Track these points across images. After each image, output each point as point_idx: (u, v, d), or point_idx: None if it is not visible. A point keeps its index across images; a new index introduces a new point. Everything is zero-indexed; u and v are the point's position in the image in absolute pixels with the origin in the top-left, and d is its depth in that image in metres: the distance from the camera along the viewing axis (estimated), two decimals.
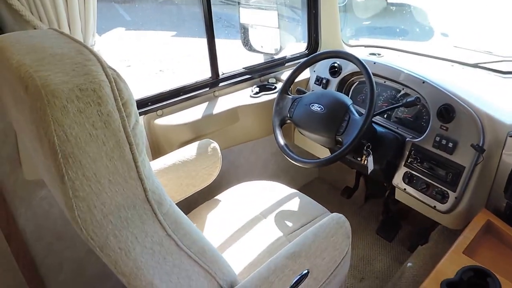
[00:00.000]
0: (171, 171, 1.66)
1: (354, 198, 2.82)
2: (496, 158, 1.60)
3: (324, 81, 2.20)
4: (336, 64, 2.15)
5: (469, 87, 1.80)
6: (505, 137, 1.57)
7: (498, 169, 1.60)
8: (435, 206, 1.73)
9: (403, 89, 1.94)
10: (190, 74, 5.36)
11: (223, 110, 2.05)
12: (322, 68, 2.24)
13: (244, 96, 2.19)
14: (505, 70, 2.06)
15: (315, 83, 2.26)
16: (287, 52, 2.43)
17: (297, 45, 2.52)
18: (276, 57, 2.42)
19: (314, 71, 2.29)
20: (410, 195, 1.82)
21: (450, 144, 1.68)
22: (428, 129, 1.76)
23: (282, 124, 1.90)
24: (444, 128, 1.71)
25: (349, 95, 2.19)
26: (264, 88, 2.24)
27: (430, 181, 1.74)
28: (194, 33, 6.74)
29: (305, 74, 2.30)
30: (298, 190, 1.91)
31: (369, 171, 1.73)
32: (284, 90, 1.94)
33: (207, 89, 2.11)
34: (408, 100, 1.70)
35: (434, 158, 1.73)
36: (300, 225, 1.70)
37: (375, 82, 1.84)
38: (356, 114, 1.68)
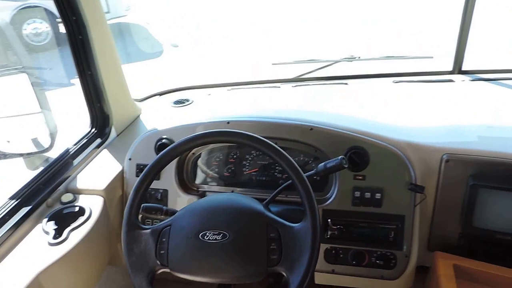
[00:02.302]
0: None
1: None
2: (431, 190, 1.32)
3: None
4: (166, 141, 1.44)
5: (363, 116, 1.46)
6: (439, 163, 1.30)
7: (437, 201, 1.34)
8: (382, 276, 1.37)
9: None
10: None
11: None
12: (141, 151, 1.51)
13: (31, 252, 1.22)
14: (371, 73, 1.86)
15: (137, 175, 1.48)
16: (62, 140, 1.52)
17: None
18: (50, 155, 1.48)
19: (130, 159, 1.50)
20: (343, 274, 1.37)
21: (378, 195, 1.31)
22: (337, 185, 1.35)
23: (152, 279, 1.08)
24: (360, 177, 1.31)
25: (195, 176, 1.52)
26: (62, 218, 1.31)
27: (364, 248, 1.37)
28: None
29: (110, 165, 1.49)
30: None
31: None
32: (131, 223, 1.11)
33: None
34: (330, 164, 1.17)
35: (360, 218, 1.36)
36: None
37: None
38: (286, 221, 1.07)
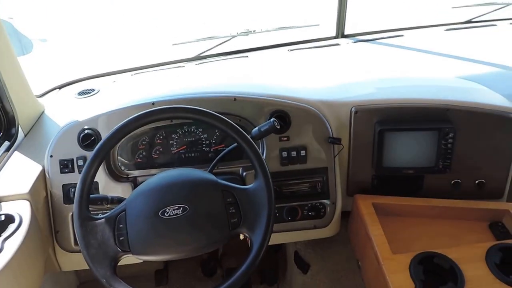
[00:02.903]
0: None
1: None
2: (345, 141, 1.49)
3: (78, 162, 1.40)
4: (89, 131, 1.37)
5: (278, 82, 1.55)
6: (349, 117, 1.46)
7: (351, 150, 1.51)
8: (315, 226, 1.51)
9: None
10: None
11: None
12: (62, 146, 1.42)
13: None
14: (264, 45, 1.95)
15: (62, 172, 1.39)
16: None
17: None
18: None
19: (52, 156, 1.41)
20: (280, 231, 1.50)
21: (302, 152, 1.44)
22: (265, 149, 1.43)
23: (115, 267, 1.06)
24: (285, 138, 1.42)
25: (123, 164, 1.48)
26: None
27: (296, 203, 1.49)
28: None
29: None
30: None
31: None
32: (84, 216, 1.06)
33: None
34: (264, 128, 1.24)
35: (289, 176, 1.46)
36: None
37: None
38: (238, 185, 1.12)
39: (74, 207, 1.06)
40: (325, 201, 1.49)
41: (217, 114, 1.11)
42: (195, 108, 1.12)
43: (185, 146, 1.50)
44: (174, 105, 1.13)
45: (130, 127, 1.11)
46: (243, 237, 1.20)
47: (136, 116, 1.11)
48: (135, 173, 1.50)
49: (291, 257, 1.82)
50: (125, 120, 1.11)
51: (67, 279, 1.91)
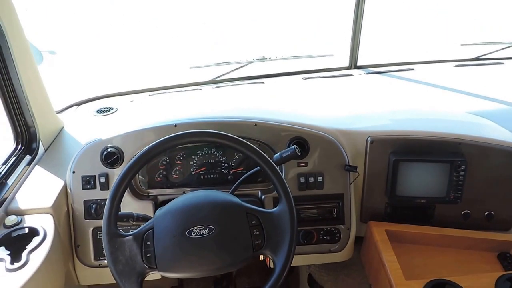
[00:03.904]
0: None
1: None
2: (360, 169, 1.56)
3: (100, 179, 1.45)
4: (112, 149, 1.43)
5: (295, 109, 1.63)
6: (365, 146, 1.53)
7: (365, 177, 1.58)
8: (329, 250, 1.57)
9: None
10: None
11: None
12: (85, 163, 1.48)
13: None
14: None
15: (84, 188, 1.45)
16: None
17: None
18: None
19: (74, 172, 1.46)
20: (296, 254, 1.53)
21: (319, 178, 1.51)
22: (283, 174, 1.51)
23: (141, 283, 1.11)
24: (303, 164, 1.49)
25: (147, 180, 1.55)
26: (12, 242, 1.26)
27: (312, 227, 1.56)
28: None
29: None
30: None
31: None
32: (112, 232, 1.12)
33: None
34: (285, 154, 1.31)
35: (306, 201, 1.54)
36: None
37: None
38: (261, 207, 1.19)
39: (103, 224, 1.12)
40: (340, 226, 1.55)
41: (242, 139, 1.19)
42: (222, 134, 1.20)
43: (204, 168, 1.56)
44: (203, 130, 1.20)
45: (159, 149, 1.18)
46: (262, 258, 1.26)
47: (167, 138, 1.18)
48: (155, 192, 1.56)
49: (305, 279, 1.87)
50: (155, 142, 1.17)
51: None
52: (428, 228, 1.54)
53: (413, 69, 2.23)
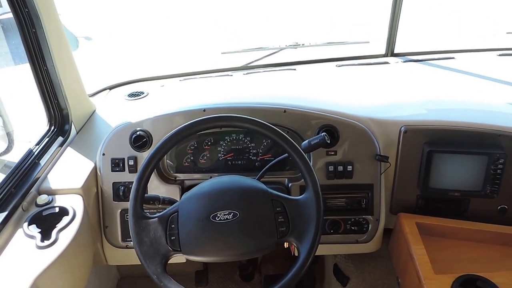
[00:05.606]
0: None
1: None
2: (392, 159, 1.54)
3: (129, 162, 1.49)
4: (141, 133, 1.47)
5: (327, 97, 1.62)
6: (397, 135, 1.51)
7: (397, 168, 1.56)
8: (357, 240, 1.57)
9: None
10: None
11: None
12: (115, 145, 1.52)
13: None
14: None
15: (113, 170, 1.49)
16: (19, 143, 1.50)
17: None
18: (6, 159, 1.44)
19: (104, 154, 1.51)
20: (322, 243, 1.54)
21: (349, 167, 1.50)
22: (311, 162, 1.50)
23: (165, 265, 1.14)
24: (332, 152, 1.48)
25: (175, 165, 1.58)
26: (43, 220, 1.32)
27: (339, 217, 1.55)
28: None
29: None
30: None
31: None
32: (138, 214, 1.15)
33: None
34: (314, 142, 1.31)
35: (335, 190, 1.53)
36: None
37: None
38: (288, 195, 1.20)
39: (129, 205, 1.15)
40: (369, 217, 1.54)
41: (271, 125, 1.19)
42: (250, 118, 1.20)
43: (232, 154, 1.58)
44: (231, 114, 1.21)
45: (186, 132, 1.20)
46: (287, 246, 1.26)
47: (195, 122, 1.19)
48: (182, 176, 1.59)
49: (330, 269, 1.87)
50: (183, 125, 1.19)
51: (109, 273, 2.02)
52: (461, 222, 1.51)
53: (453, 58, 2.16)
